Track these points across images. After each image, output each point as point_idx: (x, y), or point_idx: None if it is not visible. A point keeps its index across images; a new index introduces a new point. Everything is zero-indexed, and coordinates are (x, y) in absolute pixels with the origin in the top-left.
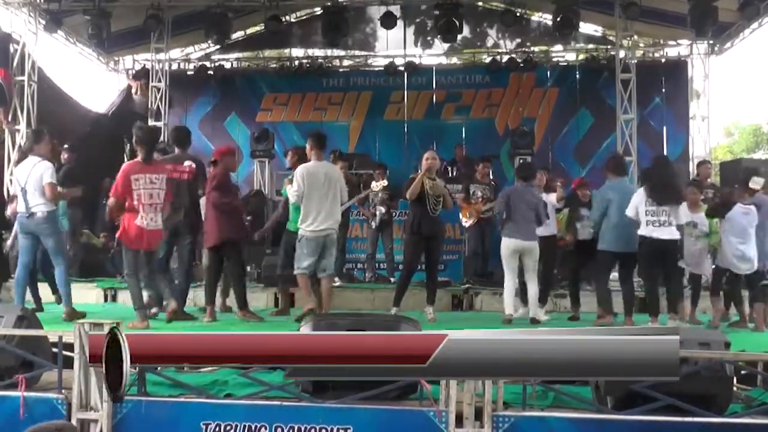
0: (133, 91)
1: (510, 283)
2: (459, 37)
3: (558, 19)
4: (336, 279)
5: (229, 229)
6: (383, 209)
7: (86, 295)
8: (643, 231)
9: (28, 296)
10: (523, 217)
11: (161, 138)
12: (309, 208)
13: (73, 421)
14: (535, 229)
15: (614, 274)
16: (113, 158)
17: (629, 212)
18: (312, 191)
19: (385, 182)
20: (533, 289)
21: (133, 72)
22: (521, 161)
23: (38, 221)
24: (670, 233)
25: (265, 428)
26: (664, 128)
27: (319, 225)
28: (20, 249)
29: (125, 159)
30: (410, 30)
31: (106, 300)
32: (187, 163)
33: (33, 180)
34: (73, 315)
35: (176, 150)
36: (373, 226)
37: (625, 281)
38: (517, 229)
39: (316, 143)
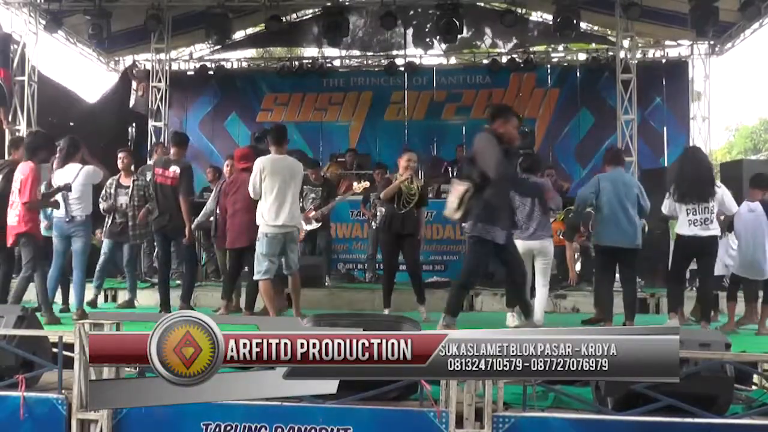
0: (140, 93)
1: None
2: (459, 37)
3: (558, 19)
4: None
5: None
6: (384, 210)
7: (86, 294)
8: (684, 231)
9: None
10: (524, 212)
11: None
12: (269, 203)
13: (73, 422)
14: (547, 222)
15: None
16: (108, 152)
17: (664, 210)
18: (274, 185)
19: (367, 183)
20: (541, 293)
21: (137, 71)
22: (525, 152)
23: (77, 224)
24: (711, 231)
25: (265, 428)
26: (665, 129)
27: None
28: (55, 252)
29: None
30: (410, 30)
31: (106, 300)
32: (172, 168)
33: (78, 185)
34: (83, 316)
35: (172, 151)
36: (374, 227)
37: (627, 281)
38: (523, 227)
39: (274, 139)
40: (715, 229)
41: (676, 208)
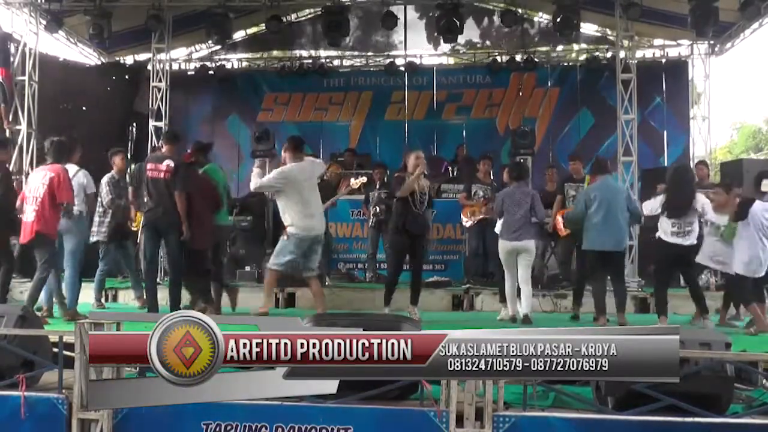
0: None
1: (510, 282)
2: (459, 37)
3: (558, 19)
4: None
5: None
6: (378, 209)
7: (87, 294)
8: (667, 238)
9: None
10: (514, 218)
11: None
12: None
13: (74, 421)
14: (532, 227)
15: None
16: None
17: (646, 210)
18: (303, 190)
19: (364, 179)
20: (526, 289)
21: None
22: (514, 161)
23: (69, 222)
24: (691, 240)
25: (266, 428)
26: (665, 128)
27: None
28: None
29: (129, 147)
30: (411, 30)
31: (106, 300)
32: (166, 162)
33: (75, 185)
34: (75, 317)
35: (164, 148)
36: (371, 225)
37: (616, 280)
38: (509, 230)
39: (293, 145)
40: (693, 239)
41: (658, 209)
